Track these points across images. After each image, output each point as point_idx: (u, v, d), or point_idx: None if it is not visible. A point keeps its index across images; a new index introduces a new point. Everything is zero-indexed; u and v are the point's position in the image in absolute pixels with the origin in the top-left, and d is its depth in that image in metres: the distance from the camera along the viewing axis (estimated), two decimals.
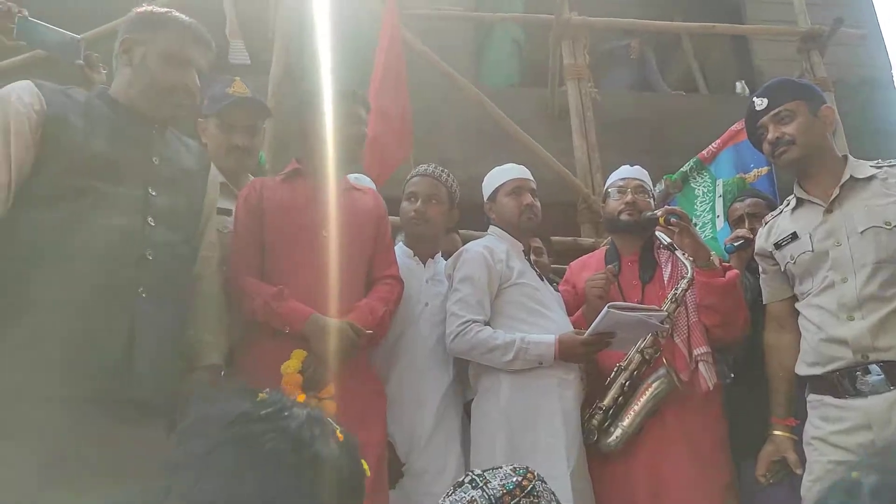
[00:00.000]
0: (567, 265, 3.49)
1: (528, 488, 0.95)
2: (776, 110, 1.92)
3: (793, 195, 1.99)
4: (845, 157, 1.92)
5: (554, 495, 1.08)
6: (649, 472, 1.96)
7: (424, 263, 2.28)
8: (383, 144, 3.23)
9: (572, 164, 4.17)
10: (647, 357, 2.02)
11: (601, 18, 4.63)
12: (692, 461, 1.96)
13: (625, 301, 2.12)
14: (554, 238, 3.48)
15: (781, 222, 1.98)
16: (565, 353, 2.00)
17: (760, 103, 1.95)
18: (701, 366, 2.03)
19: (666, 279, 2.18)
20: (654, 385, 1.98)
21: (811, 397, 1.84)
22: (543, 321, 2.10)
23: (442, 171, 2.32)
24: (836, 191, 1.85)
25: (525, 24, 5.61)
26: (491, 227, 2.33)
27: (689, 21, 5.88)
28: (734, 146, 3.80)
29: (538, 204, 2.29)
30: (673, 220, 2.10)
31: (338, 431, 0.77)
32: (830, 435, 1.73)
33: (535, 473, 1.06)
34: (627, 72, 6.07)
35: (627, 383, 2.01)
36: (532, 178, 2.33)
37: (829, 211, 1.85)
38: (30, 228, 1.38)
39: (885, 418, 1.64)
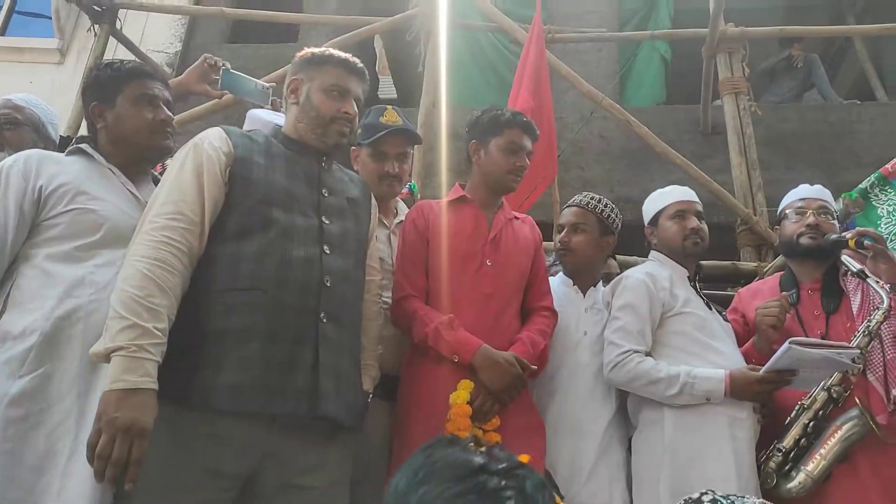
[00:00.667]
0: (723, 291, 3.26)
1: None
2: None
3: None
4: None
5: None
6: None
7: (584, 293, 2.24)
8: (530, 169, 3.22)
9: (728, 182, 3.94)
10: (834, 396, 1.83)
11: (760, 28, 4.34)
12: None
13: (805, 334, 1.93)
14: (710, 262, 3.27)
15: None
16: (737, 390, 1.86)
17: None
18: None
19: (855, 310, 1.96)
20: (846, 428, 1.77)
21: None
22: (712, 354, 1.97)
23: (591, 198, 2.27)
24: None
25: (674, 39, 5.40)
26: (652, 252, 2.23)
27: (861, 24, 5.36)
28: None
29: (705, 227, 2.16)
30: (867, 242, 1.89)
31: (557, 497, 0.73)
32: None
33: None
34: (792, 83, 5.64)
35: (812, 424, 1.82)
36: (698, 199, 2.21)
37: None
38: (227, 261, 1.51)
39: None
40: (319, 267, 1.57)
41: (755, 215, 3.74)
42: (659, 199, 2.24)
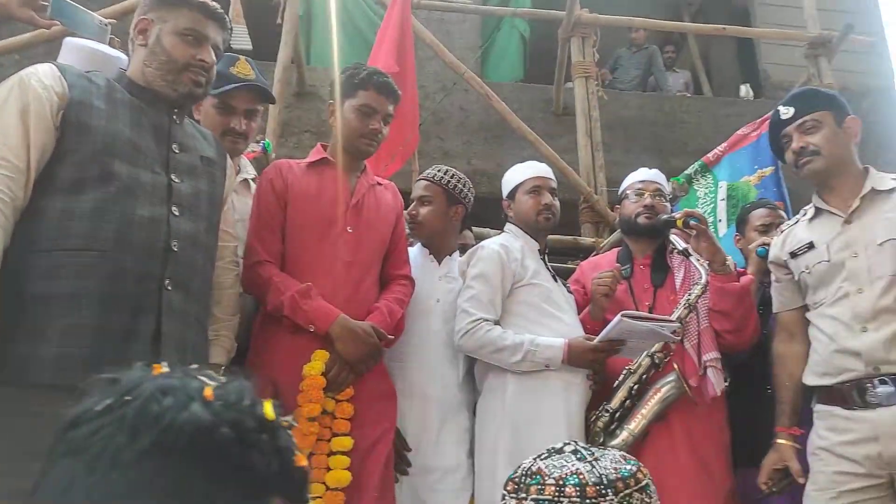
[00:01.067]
0: (565, 264, 3.49)
1: (643, 483, 0.84)
2: (801, 120, 1.92)
3: (811, 205, 2.00)
4: (866, 169, 1.93)
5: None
6: (653, 477, 1.96)
7: (440, 262, 2.28)
8: (392, 136, 3.21)
9: (574, 162, 4.17)
10: (656, 361, 2.03)
11: (611, 16, 4.61)
12: (696, 467, 1.97)
13: (636, 306, 2.12)
14: (553, 237, 3.48)
15: (798, 232, 1.99)
16: (574, 358, 2.00)
17: (786, 112, 1.95)
18: (709, 371, 2.04)
19: (678, 284, 2.18)
20: (664, 390, 1.98)
21: (818, 408, 1.85)
22: (555, 323, 2.10)
23: (437, 170, 2.30)
24: (857, 202, 1.86)
25: (533, 19, 5.58)
26: (508, 224, 2.32)
27: (697, 22, 5.88)
28: (739, 150, 3.82)
29: (557, 204, 2.28)
30: (693, 223, 2.10)
31: (207, 389, 0.58)
32: (837, 446, 1.75)
33: (647, 472, 0.93)
34: (636, 72, 6.07)
35: (636, 387, 2.01)
36: (553, 177, 2.32)
37: (847, 222, 1.86)
38: (56, 216, 1.35)
39: (892, 431, 1.65)
40: (166, 229, 1.45)
41: (596, 194, 4.01)
42: (518, 173, 2.32)
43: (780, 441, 1.90)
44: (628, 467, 0.82)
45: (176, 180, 1.53)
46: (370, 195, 2.05)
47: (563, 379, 2.03)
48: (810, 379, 1.88)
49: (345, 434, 1.74)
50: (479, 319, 2.05)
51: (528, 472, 0.81)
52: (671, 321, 2.01)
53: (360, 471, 1.74)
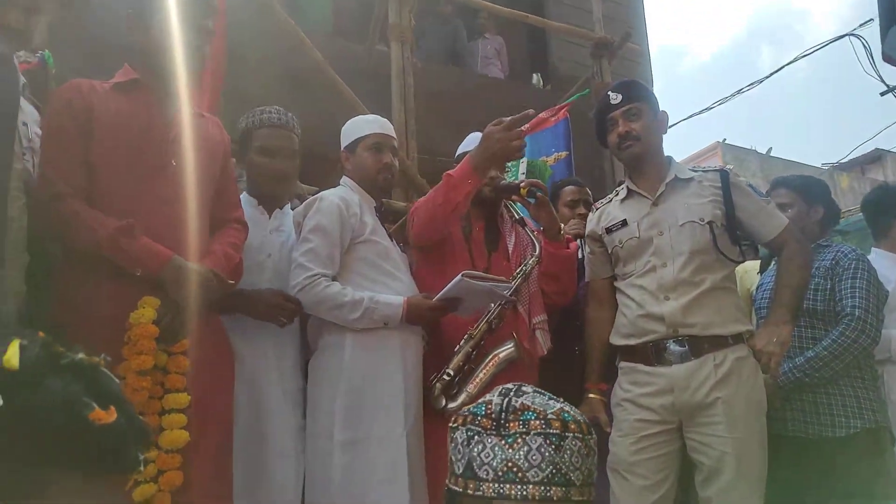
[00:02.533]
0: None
1: (590, 438, 0.82)
2: (627, 107, 2.12)
3: (623, 186, 2.22)
4: (669, 158, 2.20)
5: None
6: None
7: (270, 214, 2.10)
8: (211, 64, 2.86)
9: None
10: (493, 327, 2.11)
11: None
12: None
13: (474, 267, 2.18)
14: None
15: (612, 209, 2.20)
16: (412, 315, 2.00)
17: (615, 98, 2.13)
18: (538, 333, 2.19)
19: (510, 249, 2.29)
20: (502, 356, 2.07)
21: (623, 364, 2.09)
22: (392, 281, 2.08)
23: (291, 118, 2.14)
24: (662, 187, 2.11)
25: None
26: (344, 177, 2.22)
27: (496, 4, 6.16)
28: (540, 132, 4.15)
29: (396, 164, 2.23)
30: (539, 194, 2.20)
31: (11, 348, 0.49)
32: (639, 397, 2.00)
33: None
34: (438, 44, 6.19)
35: (474, 352, 2.08)
36: (395, 135, 2.26)
37: (655, 204, 2.11)
38: None
39: (684, 384, 1.93)
40: None
41: (408, 159, 4.04)
42: (360, 127, 2.22)
43: (590, 395, 2.11)
44: (576, 415, 0.83)
45: None
46: (193, 126, 1.79)
47: (401, 337, 2.02)
48: (617, 339, 2.11)
49: (180, 390, 1.54)
50: (316, 275, 1.95)
51: (512, 409, 0.76)
52: (506, 282, 2.10)
53: (198, 432, 1.55)
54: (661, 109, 2.20)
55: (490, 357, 2.08)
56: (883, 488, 2.20)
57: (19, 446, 0.45)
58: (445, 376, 2.06)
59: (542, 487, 0.70)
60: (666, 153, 2.19)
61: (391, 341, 2.00)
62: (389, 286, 2.05)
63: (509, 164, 4.10)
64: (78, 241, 1.54)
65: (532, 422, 0.74)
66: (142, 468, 0.54)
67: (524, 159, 4.06)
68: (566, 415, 0.76)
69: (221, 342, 1.80)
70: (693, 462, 1.95)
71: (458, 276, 1.95)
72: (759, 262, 2.73)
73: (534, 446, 0.72)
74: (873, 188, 3.08)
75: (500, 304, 2.11)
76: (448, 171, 2.06)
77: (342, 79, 4.81)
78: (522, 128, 4.24)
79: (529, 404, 0.77)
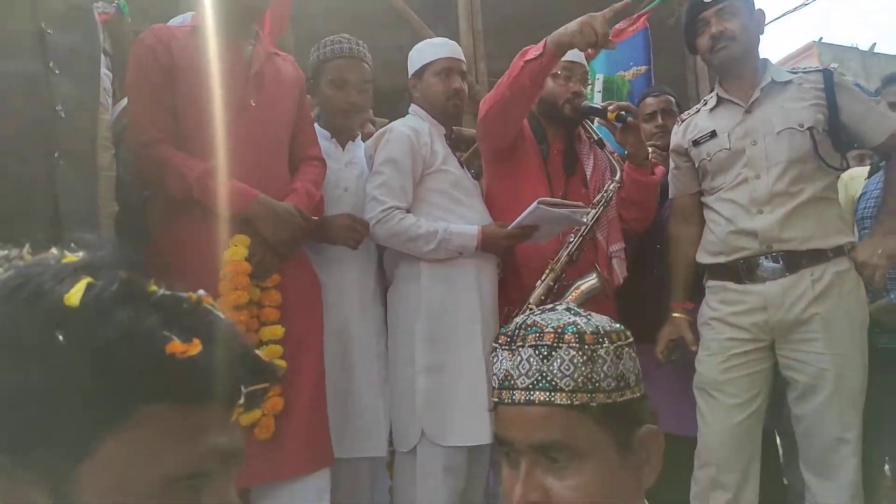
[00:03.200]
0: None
1: (630, 340, 0.83)
2: (721, 5, 1.95)
3: (713, 94, 2.08)
4: (765, 61, 2.02)
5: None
6: None
7: (343, 147, 2.11)
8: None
9: None
10: (574, 258, 2.06)
11: None
12: None
13: (552, 192, 2.13)
14: None
15: (699, 121, 2.07)
16: (487, 244, 1.99)
17: None
18: (615, 262, 2.13)
19: (588, 174, 2.21)
20: (584, 288, 2.03)
21: (711, 283, 2.01)
22: (466, 210, 2.06)
23: (361, 46, 2.10)
24: (757, 93, 1.95)
25: None
26: (413, 106, 2.19)
27: None
28: (617, 44, 3.90)
29: (466, 89, 2.17)
30: (630, 119, 2.10)
31: (81, 283, 0.49)
32: (728, 315, 1.92)
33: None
34: None
35: (556, 285, 2.05)
36: (464, 58, 2.19)
37: (748, 112, 1.96)
38: None
39: (779, 301, 1.85)
40: (48, 90, 1.17)
41: (477, 84, 3.93)
42: (428, 51, 2.16)
43: (675, 315, 2.06)
44: (618, 325, 0.84)
45: (49, 30, 1.22)
46: (269, 65, 1.81)
47: (476, 265, 2.02)
48: (704, 258, 2.03)
49: (274, 322, 1.61)
50: (390, 208, 1.96)
51: (524, 325, 0.82)
52: (583, 207, 2.04)
53: (293, 363, 1.63)
54: (757, 8, 2.01)
55: (572, 289, 2.04)
56: None
57: (92, 382, 0.47)
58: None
59: (527, 392, 0.79)
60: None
61: (466, 269, 2.00)
62: (463, 215, 2.04)
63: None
64: (170, 186, 1.60)
65: (529, 336, 0.81)
66: (242, 400, 0.55)
67: (599, 75, 3.85)
68: (570, 328, 0.80)
69: (309, 275, 1.85)
70: (786, 380, 1.88)
71: (534, 204, 1.91)
72: (867, 168, 2.51)
73: (524, 357, 0.80)
74: None
75: (580, 235, 2.05)
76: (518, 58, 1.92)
77: (409, 3, 4.69)
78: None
79: (537, 320, 0.82)
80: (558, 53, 1.87)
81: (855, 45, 15.88)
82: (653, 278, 2.28)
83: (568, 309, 0.86)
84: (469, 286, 2.00)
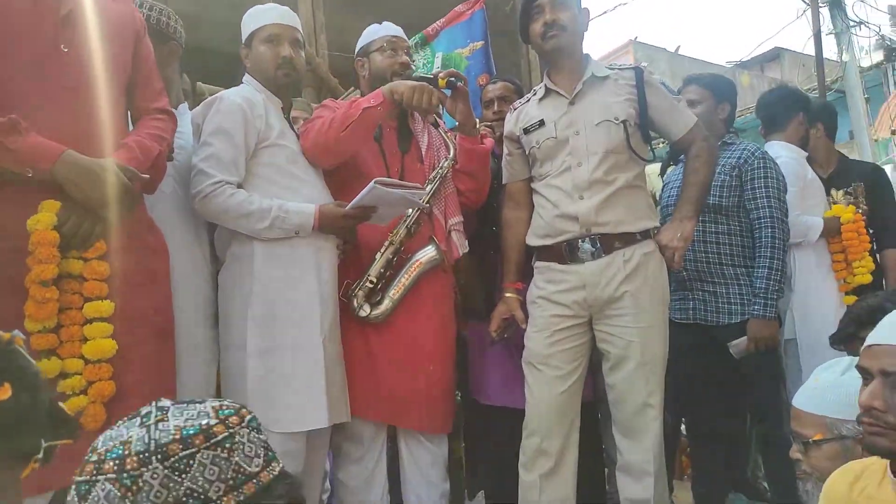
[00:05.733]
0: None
1: (221, 436, 0.68)
2: None
3: (541, 85, 2.18)
4: (587, 56, 2.16)
5: (267, 445, 0.75)
6: (403, 337, 2.08)
7: None
8: None
9: None
10: (411, 231, 2.08)
11: None
12: (439, 324, 2.14)
13: (387, 171, 2.12)
14: None
15: (529, 109, 2.16)
16: (325, 224, 1.95)
17: None
18: (453, 234, 2.18)
19: (423, 150, 2.23)
20: (425, 260, 2.06)
21: (538, 264, 2.13)
22: (303, 187, 1.99)
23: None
24: (580, 85, 2.08)
25: None
26: (246, 76, 2.06)
27: None
28: (454, 26, 3.99)
29: (302, 57, 2.07)
30: (459, 84, 2.12)
31: None
32: (553, 294, 2.05)
33: (249, 418, 0.74)
34: None
35: (395, 258, 2.05)
36: (298, 24, 2.09)
37: (572, 103, 2.09)
38: None
39: (595, 280, 2.00)
40: None
41: (317, 56, 3.81)
42: (255, 17, 2.04)
43: (507, 294, 2.16)
44: (205, 421, 0.68)
45: None
46: (89, 5, 1.58)
47: (314, 244, 1.97)
48: (533, 240, 2.14)
49: (100, 298, 1.44)
50: (220, 182, 1.85)
51: (93, 448, 0.68)
52: (420, 188, 2.06)
53: (129, 340, 1.48)
54: (584, 6, 2.14)
55: (412, 262, 2.06)
56: (770, 368, 2.42)
57: None
58: (368, 283, 2.04)
59: None
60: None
61: (304, 250, 1.95)
62: (300, 193, 1.97)
63: (424, 58, 3.96)
64: None
65: (85, 465, 0.67)
66: (40, 455, 0.47)
67: (439, 53, 3.93)
68: (114, 451, 0.66)
69: (153, 240, 1.68)
70: (601, 352, 2.06)
71: (371, 184, 1.89)
72: (658, 164, 2.79)
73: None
74: (775, 86, 3.17)
75: (418, 209, 2.08)
76: (358, 101, 1.99)
77: None
78: (439, 22, 4.08)
79: (100, 440, 0.68)
80: (393, 104, 2.01)
81: (664, 48, 17.62)
82: (491, 260, 2.38)
83: (148, 416, 0.69)
84: (307, 267, 1.94)
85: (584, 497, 2.09)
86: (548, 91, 2.15)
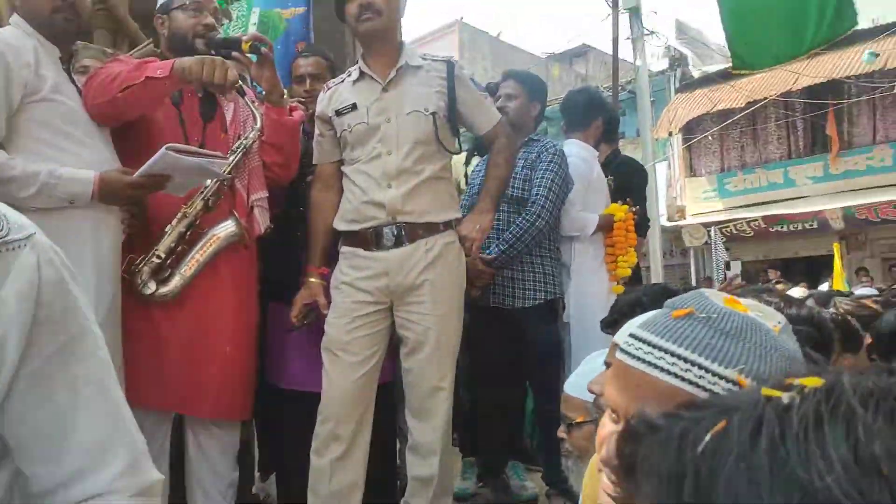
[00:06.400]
0: None
1: None
2: None
3: (356, 67, 2.15)
4: (402, 43, 2.17)
5: None
6: (196, 318, 1.96)
7: None
8: None
9: None
10: (210, 204, 1.95)
11: None
12: (237, 304, 2.05)
13: (186, 139, 1.96)
14: None
15: (343, 91, 2.13)
16: (106, 194, 1.77)
17: None
18: (256, 210, 2.08)
19: (228, 120, 2.09)
20: (223, 235, 1.94)
21: (344, 249, 2.13)
22: (83, 150, 1.79)
23: None
24: (393, 73, 2.09)
25: None
26: (14, 16, 1.78)
27: None
28: None
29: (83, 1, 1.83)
30: (263, 49, 2.01)
31: None
32: (357, 280, 2.06)
33: None
34: None
35: (189, 232, 1.91)
36: None
37: (385, 90, 2.09)
38: None
39: (398, 267, 2.04)
40: None
41: None
42: None
43: (311, 280, 2.12)
44: None
45: None
46: None
47: (93, 217, 1.78)
48: (340, 225, 2.12)
49: None
50: None
51: None
52: (221, 156, 1.93)
53: None
54: None
55: (208, 237, 1.94)
56: (555, 350, 2.68)
57: None
58: (155, 258, 1.88)
59: None
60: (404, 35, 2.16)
61: (80, 222, 1.75)
62: (79, 157, 1.76)
63: (239, 10, 3.71)
64: None
65: None
66: None
67: (256, 9, 3.72)
68: None
69: None
70: (401, 338, 2.12)
71: (162, 150, 1.73)
72: (464, 154, 2.91)
73: None
74: (582, 88, 3.43)
75: (217, 181, 1.95)
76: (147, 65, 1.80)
77: None
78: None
79: None
80: (182, 81, 1.84)
81: (487, 31, 18.31)
82: (297, 241, 2.31)
83: None
84: (83, 241, 1.75)
85: (374, 475, 2.16)
86: (362, 74, 2.13)
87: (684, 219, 12.62)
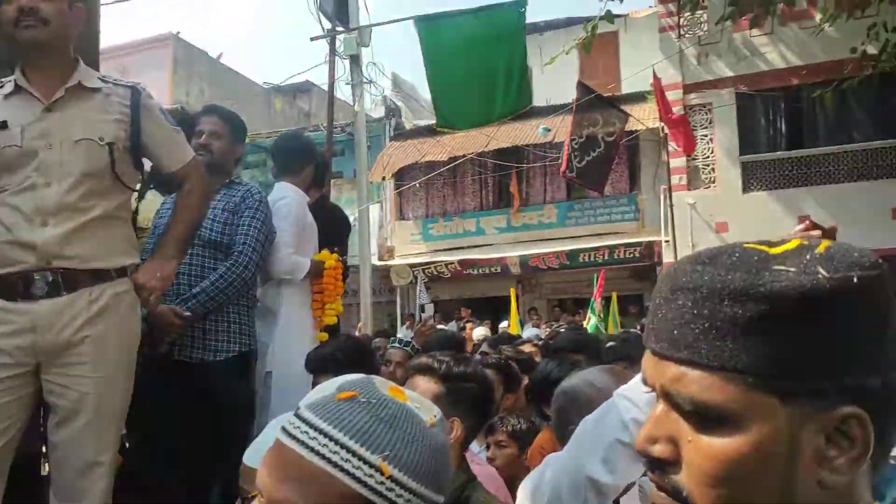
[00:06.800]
0: None
1: None
2: None
3: (11, 79, 1.79)
4: (77, 59, 1.87)
5: None
6: None
7: None
8: None
9: None
10: None
11: None
12: None
13: None
14: None
15: None
16: None
17: None
18: None
19: None
20: None
21: None
22: None
23: None
24: (62, 92, 1.78)
25: None
26: None
27: None
28: None
29: None
30: None
31: None
32: None
33: None
34: None
35: None
36: None
37: (49, 110, 1.77)
38: None
39: (49, 322, 1.71)
40: None
41: None
42: None
43: None
44: None
45: None
46: None
47: None
48: None
49: None
50: None
51: None
52: None
53: None
54: (79, 2, 1.84)
55: None
56: (248, 402, 2.50)
57: None
58: None
59: None
60: (102, 41, 1.87)
61: None
62: None
63: None
64: None
65: None
66: None
67: None
68: None
69: None
70: (48, 405, 1.77)
71: None
72: None
73: None
74: (294, 133, 3.39)
75: None
76: None
77: None
78: None
79: None
80: None
81: (206, 51, 17.35)
82: None
83: None
84: None
85: None
86: (19, 88, 1.78)
87: (393, 259, 13.39)
